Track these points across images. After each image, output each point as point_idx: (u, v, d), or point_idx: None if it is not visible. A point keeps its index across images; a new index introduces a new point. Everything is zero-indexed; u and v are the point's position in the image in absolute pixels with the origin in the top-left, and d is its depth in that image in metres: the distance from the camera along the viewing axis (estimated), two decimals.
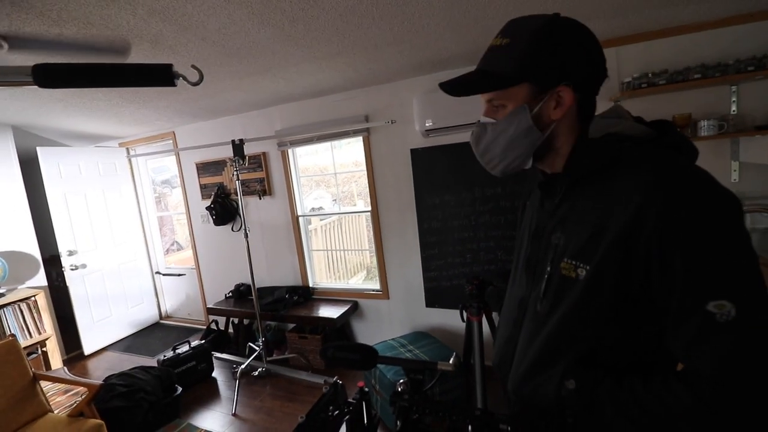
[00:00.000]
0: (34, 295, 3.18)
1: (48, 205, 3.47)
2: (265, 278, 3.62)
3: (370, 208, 3.05)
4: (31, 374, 2.07)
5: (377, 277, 3.18)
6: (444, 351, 2.48)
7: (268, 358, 3.04)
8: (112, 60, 1.88)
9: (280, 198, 3.43)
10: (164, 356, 2.98)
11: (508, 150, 0.74)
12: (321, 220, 4.37)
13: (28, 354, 3.04)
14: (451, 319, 2.85)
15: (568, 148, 0.74)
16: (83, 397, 1.95)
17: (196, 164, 3.78)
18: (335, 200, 5.25)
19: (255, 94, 2.86)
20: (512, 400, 0.85)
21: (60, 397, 2.98)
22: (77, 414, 1.97)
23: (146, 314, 4.34)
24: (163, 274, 4.45)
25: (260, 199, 3.50)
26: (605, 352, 0.68)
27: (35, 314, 3.22)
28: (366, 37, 1.97)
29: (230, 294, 3.62)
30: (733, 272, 0.56)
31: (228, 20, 1.66)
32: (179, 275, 4.35)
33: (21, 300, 3.13)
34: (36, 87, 1.02)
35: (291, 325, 3.32)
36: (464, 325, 2.03)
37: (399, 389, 0.82)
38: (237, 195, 2.95)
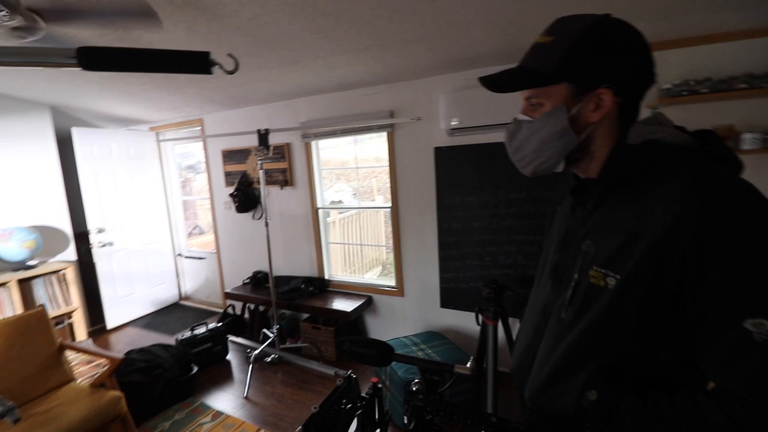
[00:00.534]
0: (63, 269, 3.33)
1: (79, 184, 3.60)
2: (282, 267, 3.67)
3: (390, 205, 3.05)
4: (58, 343, 2.17)
5: (393, 274, 3.18)
6: (457, 353, 2.46)
7: (281, 346, 3.09)
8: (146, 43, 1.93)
9: (301, 189, 3.46)
10: (182, 336, 3.06)
11: (540, 150, 0.72)
12: (340, 213, 4.39)
13: (56, 324, 3.18)
14: (466, 321, 2.82)
15: (604, 153, 0.71)
16: (105, 369, 2.02)
17: (222, 152, 3.86)
18: (355, 194, 5.28)
19: (282, 85, 2.89)
20: (528, 408, 0.84)
21: (83, 367, 3.11)
22: (99, 385, 2.05)
23: (167, 294, 4.47)
24: (185, 257, 4.57)
25: (281, 189, 3.55)
26: (630, 365, 0.66)
27: (64, 287, 3.36)
28: (396, 32, 1.95)
29: (248, 280, 3.69)
30: None
31: (261, 11, 1.67)
32: (200, 259, 4.46)
33: (51, 273, 3.27)
34: (76, 69, 1.05)
35: (305, 315, 3.36)
36: (479, 328, 2.01)
37: (414, 389, 0.82)
38: (259, 184, 2.99)
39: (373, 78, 2.74)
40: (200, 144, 4.07)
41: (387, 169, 3.02)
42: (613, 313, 0.65)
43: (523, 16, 1.78)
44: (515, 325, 2.40)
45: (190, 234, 5.57)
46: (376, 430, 0.95)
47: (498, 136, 2.49)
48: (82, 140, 3.61)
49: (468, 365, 0.82)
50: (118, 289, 3.92)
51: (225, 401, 2.65)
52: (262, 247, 3.54)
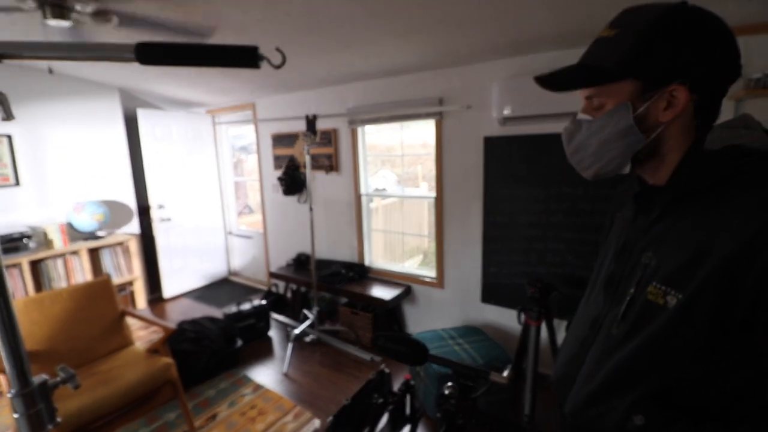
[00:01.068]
0: (127, 241, 3.62)
1: (143, 162, 3.87)
2: (324, 251, 3.75)
3: (434, 194, 2.99)
4: (120, 310, 2.36)
5: (433, 264, 3.14)
6: (495, 350, 2.39)
7: (320, 327, 3.17)
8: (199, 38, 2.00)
9: (345, 175, 3.48)
10: (229, 310, 3.24)
11: (600, 152, 0.66)
12: (383, 199, 4.39)
13: (119, 291, 3.48)
14: (507, 318, 2.73)
15: (676, 157, 0.63)
16: (160, 336, 2.18)
17: (272, 135, 3.96)
18: (399, 181, 5.25)
19: (331, 71, 2.89)
20: (568, 423, 0.79)
21: (142, 332, 3.38)
22: (153, 351, 2.22)
23: (217, 269, 4.74)
24: (235, 235, 4.81)
25: (327, 174, 3.59)
26: (683, 392, 0.60)
27: (127, 257, 3.66)
28: (451, 14, 1.86)
29: (291, 261, 3.81)
30: None
31: None
32: (248, 238, 4.67)
33: (117, 244, 3.57)
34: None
35: (344, 300, 3.42)
36: (520, 327, 1.93)
37: (446, 392, 0.79)
38: (306, 168, 3.04)
39: (422, 63, 2.66)
40: (252, 127, 4.22)
41: (433, 156, 2.95)
42: (671, 335, 0.59)
43: None
44: (560, 327, 2.29)
45: (240, 213, 5.84)
46: (406, 426, 0.93)
47: (553, 127, 2.34)
48: (146, 121, 3.85)
49: (505, 374, 0.77)
50: (174, 262, 4.21)
51: (265, 375, 2.78)
52: (305, 230, 3.63)
